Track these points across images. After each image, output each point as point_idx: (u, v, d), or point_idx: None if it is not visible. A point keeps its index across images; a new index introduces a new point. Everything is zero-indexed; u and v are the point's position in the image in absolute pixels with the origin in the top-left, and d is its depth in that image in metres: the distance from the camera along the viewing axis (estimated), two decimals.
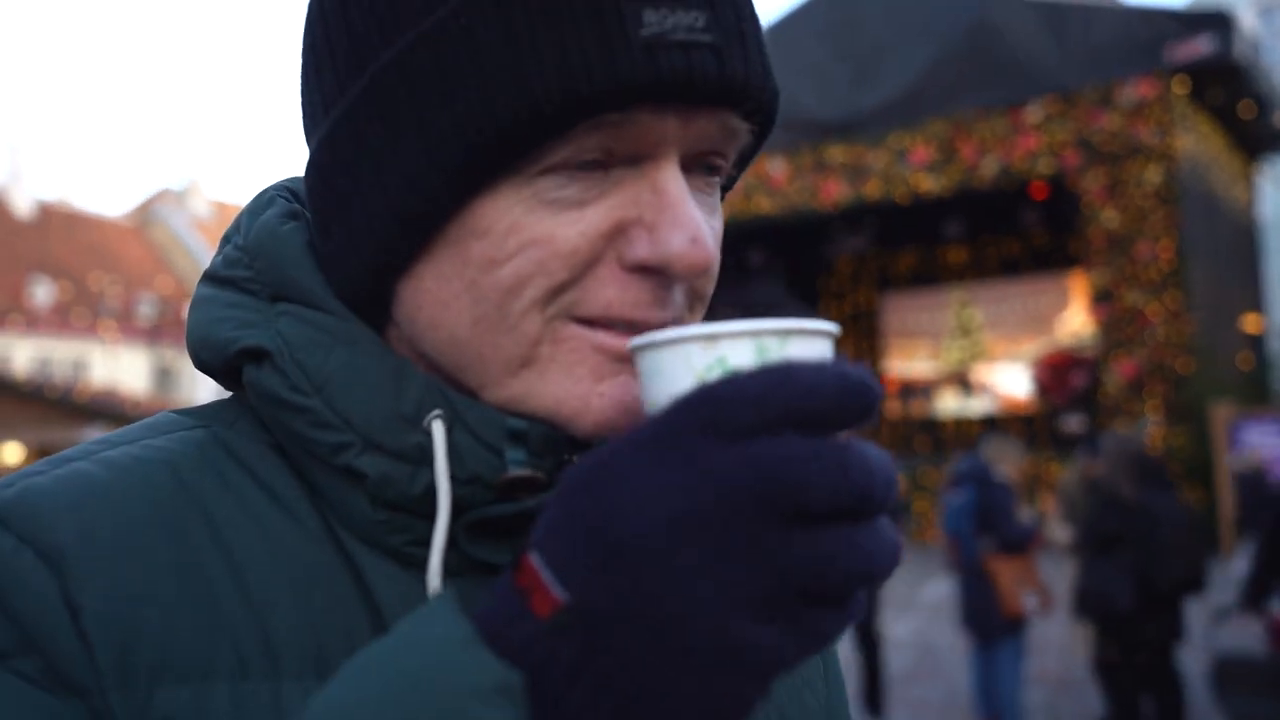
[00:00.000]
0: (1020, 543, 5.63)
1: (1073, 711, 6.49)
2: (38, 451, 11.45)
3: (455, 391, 0.56)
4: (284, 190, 0.66)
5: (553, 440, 0.56)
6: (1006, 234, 17.88)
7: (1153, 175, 13.17)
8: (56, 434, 12.98)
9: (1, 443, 13.71)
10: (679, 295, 0.57)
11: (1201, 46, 13.06)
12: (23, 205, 41.86)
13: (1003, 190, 15.09)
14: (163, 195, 48.47)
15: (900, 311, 19.82)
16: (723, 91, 0.53)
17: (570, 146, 0.51)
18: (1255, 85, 14.49)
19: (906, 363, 19.67)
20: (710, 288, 0.60)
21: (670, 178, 0.54)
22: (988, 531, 5.64)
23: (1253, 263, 17.68)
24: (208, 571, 0.53)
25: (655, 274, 0.54)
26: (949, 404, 19.35)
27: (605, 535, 0.43)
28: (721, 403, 0.43)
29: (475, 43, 0.51)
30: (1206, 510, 11.70)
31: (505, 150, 0.51)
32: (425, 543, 0.56)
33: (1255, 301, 17.38)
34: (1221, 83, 13.83)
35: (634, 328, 0.54)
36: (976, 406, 19.02)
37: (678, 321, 0.57)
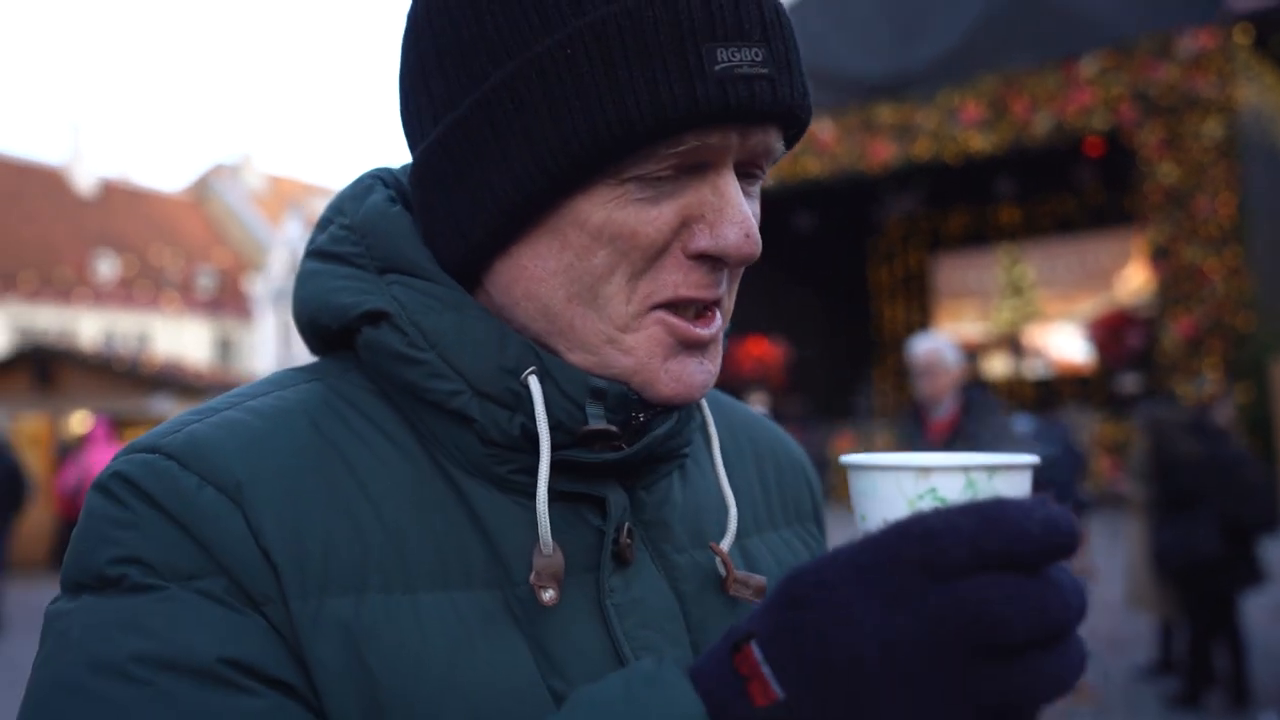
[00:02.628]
0: (1075, 508, 5.75)
1: (1122, 668, 6.50)
2: (108, 420, 11.88)
3: (544, 351, 0.67)
4: (378, 178, 0.76)
5: (626, 400, 0.67)
6: (1061, 192, 17.56)
7: (1212, 128, 12.82)
8: (124, 403, 13.44)
9: (71, 411, 14.22)
10: (724, 278, 0.68)
11: None
12: (85, 182, 42.90)
13: (1056, 147, 14.80)
14: (218, 170, 49.31)
15: (951, 272, 19.59)
16: (775, 115, 0.64)
17: (653, 159, 0.62)
18: None
19: (957, 324, 19.45)
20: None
21: (728, 182, 0.65)
22: (1046, 488, 5.75)
23: None
24: (350, 503, 0.64)
25: (711, 260, 0.66)
26: (997, 368, 19.12)
27: (824, 651, 0.49)
28: (936, 540, 0.48)
29: (579, 71, 0.61)
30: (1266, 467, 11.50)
31: (601, 160, 0.62)
32: (526, 470, 0.67)
33: None
34: None
35: (694, 306, 0.67)
36: (1028, 370, 18.77)
37: (725, 299, 0.69)
